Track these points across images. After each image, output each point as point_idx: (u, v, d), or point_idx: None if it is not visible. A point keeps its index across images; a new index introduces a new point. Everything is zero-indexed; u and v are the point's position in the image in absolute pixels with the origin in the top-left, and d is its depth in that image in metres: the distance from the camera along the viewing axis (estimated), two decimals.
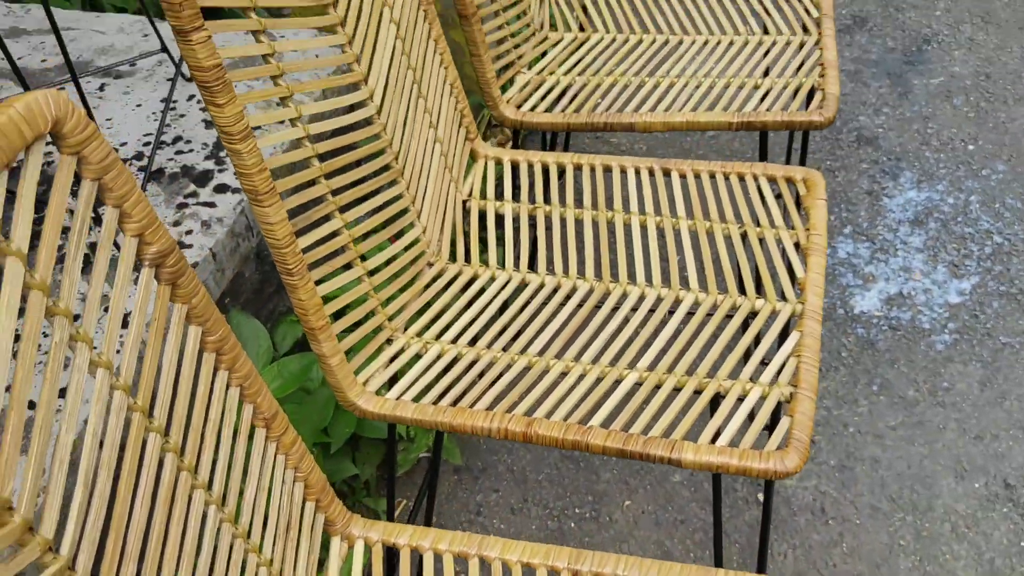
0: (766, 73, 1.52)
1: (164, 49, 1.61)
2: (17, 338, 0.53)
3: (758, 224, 1.22)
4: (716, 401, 1.03)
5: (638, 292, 1.17)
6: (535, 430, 0.97)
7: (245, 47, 0.87)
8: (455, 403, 1.02)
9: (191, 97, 1.56)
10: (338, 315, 1.14)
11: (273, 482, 0.82)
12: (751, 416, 1.02)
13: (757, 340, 1.32)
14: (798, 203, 1.37)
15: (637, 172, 1.31)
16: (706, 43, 1.61)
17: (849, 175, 2.14)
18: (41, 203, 0.57)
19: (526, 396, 1.03)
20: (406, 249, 1.18)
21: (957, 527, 1.48)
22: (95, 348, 0.62)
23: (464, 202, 1.32)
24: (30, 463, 0.56)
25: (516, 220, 1.32)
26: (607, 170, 1.33)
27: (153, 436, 0.68)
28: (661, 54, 1.60)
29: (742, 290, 1.14)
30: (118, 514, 0.64)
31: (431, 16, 1.25)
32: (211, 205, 1.33)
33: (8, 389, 0.54)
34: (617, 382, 1.05)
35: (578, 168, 1.34)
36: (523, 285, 1.21)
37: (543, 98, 1.51)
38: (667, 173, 1.31)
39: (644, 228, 1.25)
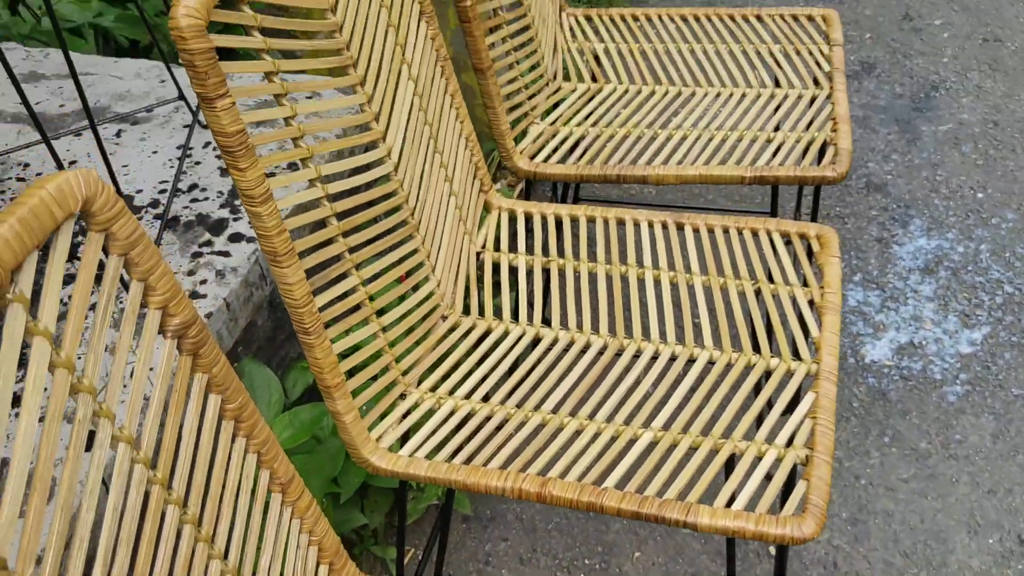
0: (778, 127, 1.52)
1: (181, 96, 1.62)
2: (42, 418, 0.53)
3: (772, 281, 1.22)
4: (731, 462, 1.03)
5: (652, 348, 1.17)
6: (549, 491, 0.96)
7: (268, 111, 0.88)
8: (468, 460, 1.02)
9: (207, 144, 1.57)
10: (352, 371, 1.14)
11: (288, 547, 0.82)
12: (767, 477, 1.01)
13: (771, 399, 1.31)
14: (809, 254, 1.37)
15: (651, 225, 1.32)
16: (718, 95, 1.62)
17: (859, 222, 2.15)
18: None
19: (540, 454, 1.03)
20: (420, 303, 1.18)
21: None
22: (116, 422, 0.62)
23: (478, 254, 1.32)
24: (51, 539, 0.56)
25: (529, 272, 1.33)
26: (620, 223, 1.34)
27: (172, 508, 0.68)
28: (673, 106, 1.61)
29: (756, 347, 1.14)
30: None
31: (448, 72, 1.26)
32: (226, 254, 1.34)
33: (31, 472, 0.54)
34: (632, 441, 1.04)
35: (591, 220, 1.35)
36: (537, 339, 1.21)
37: (556, 149, 1.52)
38: (680, 227, 1.31)
39: (658, 283, 1.25)
